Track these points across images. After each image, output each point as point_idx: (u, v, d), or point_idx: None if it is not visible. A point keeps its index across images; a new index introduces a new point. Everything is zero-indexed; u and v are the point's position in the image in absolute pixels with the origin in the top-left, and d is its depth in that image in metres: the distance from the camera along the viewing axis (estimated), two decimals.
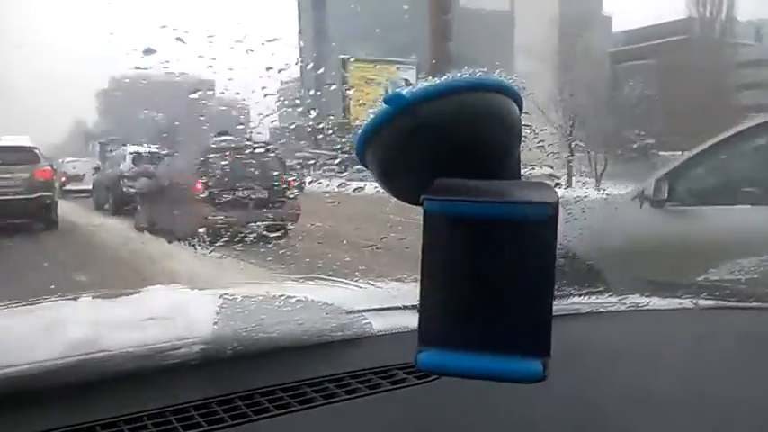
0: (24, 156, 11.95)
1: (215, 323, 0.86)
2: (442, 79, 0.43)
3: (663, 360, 0.97)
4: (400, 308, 1.08)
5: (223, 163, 10.12)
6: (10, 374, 0.75)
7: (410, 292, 1.17)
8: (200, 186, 9.71)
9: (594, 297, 1.10)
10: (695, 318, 1.14)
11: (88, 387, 0.77)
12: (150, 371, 0.80)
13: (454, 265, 0.40)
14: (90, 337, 0.82)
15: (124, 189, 13.98)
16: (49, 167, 12.59)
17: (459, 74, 0.44)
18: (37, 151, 12.34)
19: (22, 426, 0.70)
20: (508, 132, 0.44)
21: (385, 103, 0.43)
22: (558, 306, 1.06)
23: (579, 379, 0.87)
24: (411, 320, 0.99)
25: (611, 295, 1.12)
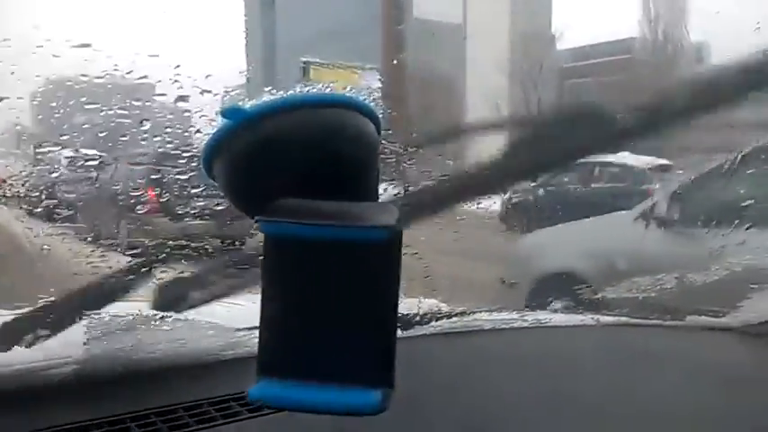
0: None
1: (85, 343, 0.84)
2: (290, 93, 0.42)
3: (556, 374, 1.00)
4: None
5: (178, 170, 9.88)
6: None
7: None
8: (153, 194, 9.40)
9: (498, 314, 1.12)
10: (595, 334, 1.18)
11: None
12: (21, 392, 0.77)
13: (291, 289, 0.40)
14: None
15: (59, 195, 13.47)
16: None
17: (310, 89, 0.44)
18: None
19: None
20: (361, 150, 0.44)
21: (222, 117, 0.43)
22: (461, 322, 1.08)
23: (476, 392, 0.89)
24: None
25: (514, 312, 1.14)
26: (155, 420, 0.74)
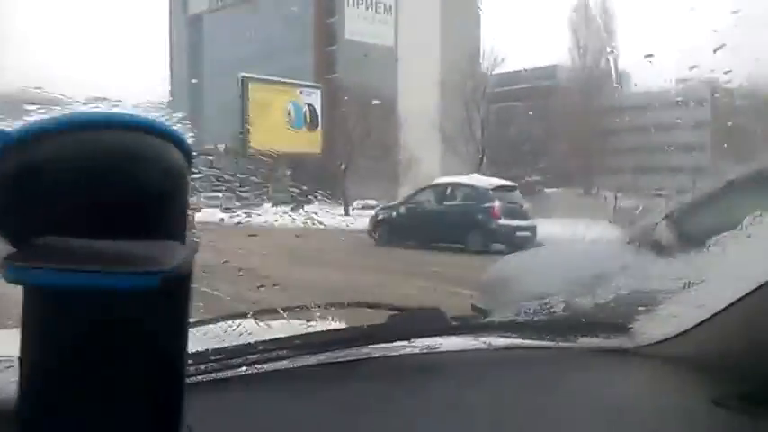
0: None
1: None
2: (72, 114, 0.37)
3: (440, 405, 0.97)
4: None
5: None
6: None
7: None
8: None
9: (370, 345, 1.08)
10: (486, 359, 1.16)
11: None
12: None
13: (44, 346, 0.35)
14: None
15: None
16: None
17: (98, 110, 0.39)
18: None
19: None
20: (158, 179, 0.37)
21: None
22: (348, 351, 1.04)
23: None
24: None
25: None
26: None
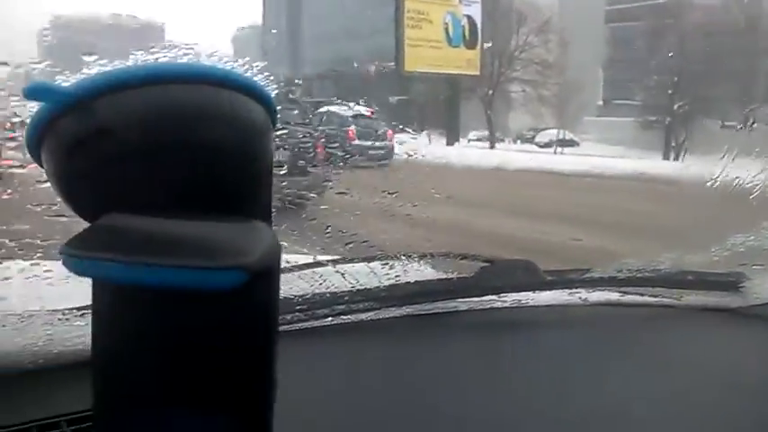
0: None
1: None
2: (135, 65, 0.33)
3: (536, 364, 0.96)
4: None
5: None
6: None
7: None
8: None
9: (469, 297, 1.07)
10: (582, 315, 1.13)
11: None
12: None
13: (114, 340, 0.32)
14: None
15: None
16: None
17: (164, 60, 0.37)
18: None
19: None
20: (236, 142, 0.32)
21: (30, 98, 0.32)
22: (437, 304, 1.04)
23: (456, 383, 0.88)
24: None
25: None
26: (66, 430, 0.70)
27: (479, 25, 24.51)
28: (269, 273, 0.31)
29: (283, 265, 0.33)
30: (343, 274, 1.01)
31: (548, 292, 1.12)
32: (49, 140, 0.32)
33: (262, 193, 0.35)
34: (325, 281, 1.01)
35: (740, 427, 0.81)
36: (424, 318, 1.02)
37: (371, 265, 1.06)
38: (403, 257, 1.07)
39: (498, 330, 1.07)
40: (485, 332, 1.06)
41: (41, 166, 0.34)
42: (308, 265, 1.05)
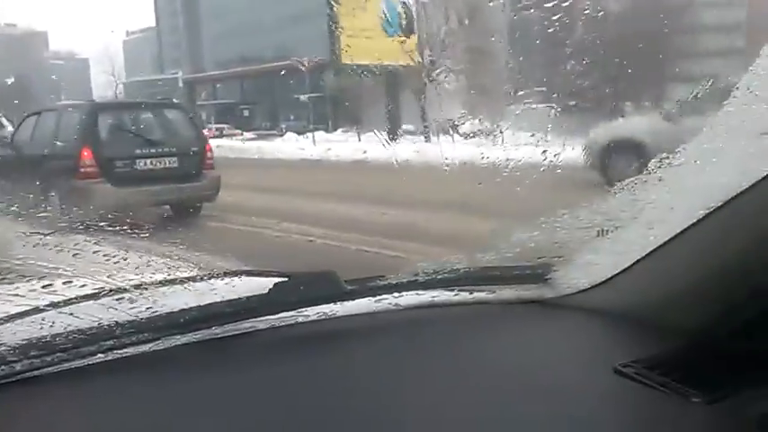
0: None
1: None
2: None
3: (345, 377, 0.96)
4: None
5: (111, 123, 9.03)
6: None
7: None
8: (87, 154, 8.51)
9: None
10: (390, 321, 1.12)
11: None
12: None
13: None
14: None
15: None
16: None
17: None
18: None
19: None
20: None
21: None
22: (231, 327, 1.00)
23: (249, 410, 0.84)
24: None
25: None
26: None
27: (414, 12, 24.76)
28: None
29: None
30: (71, 313, 0.94)
31: (352, 302, 1.10)
32: None
33: None
34: (53, 324, 0.94)
35: (540, 420, 0.83)
36: (214, 342, 0.98)
37: (103, 301, 1.00)
38: (183, 280, 1.03)
39: (304, 345, 1.04)
40: (288, 349, 1.02)
41: None
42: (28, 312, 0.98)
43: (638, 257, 1.07)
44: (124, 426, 0.80)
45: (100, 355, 0.90)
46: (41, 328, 0.91)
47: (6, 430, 0.77)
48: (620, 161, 8.30)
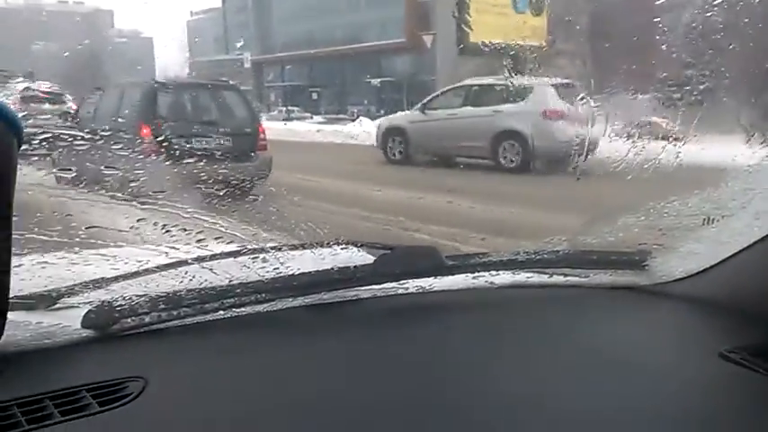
0: None
1: None
2: None
3: (436, 353, 1.01)
4: None
5: (169, 101, 9.57)
6: None
7: None
8: (146, 132, 8.94)
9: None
10: (486, 299, 1.20)
11: None
12: None
13: None
14: None
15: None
16: None
17: None
18: None
19: None
20: None
21: None
22: (336, 293, 1.10)
23: (347, 375, 0.93)
24: None
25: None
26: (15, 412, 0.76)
27: None
28: None
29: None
30: (211, 269, 1.07)
31: (451, 277, 1.19)
32: None
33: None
34: (193, 278, 1.06)
35: (646, 404, 0.87)
36: (322, 307, 1.09)
37: (240, 259, 1.11)
38: (299, 247, 1.14)
39: (404, 316, 1.14)
40: (390, 318, 1.12)
41: None
42: (173, 264, 1.10)
43: (738, 249, 1.11)
44: (239, 381, 0.89)
45: (221, 312, 1.02)
46: (181, 282, 1.04)
47: (132, 380, 0.85)
48: None
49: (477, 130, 11.03)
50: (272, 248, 1.18)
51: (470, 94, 12.19)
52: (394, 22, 30.44)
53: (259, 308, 1.04)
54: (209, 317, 1.01)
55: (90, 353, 0.93)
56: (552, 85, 11.23)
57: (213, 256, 1.16)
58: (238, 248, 1.18)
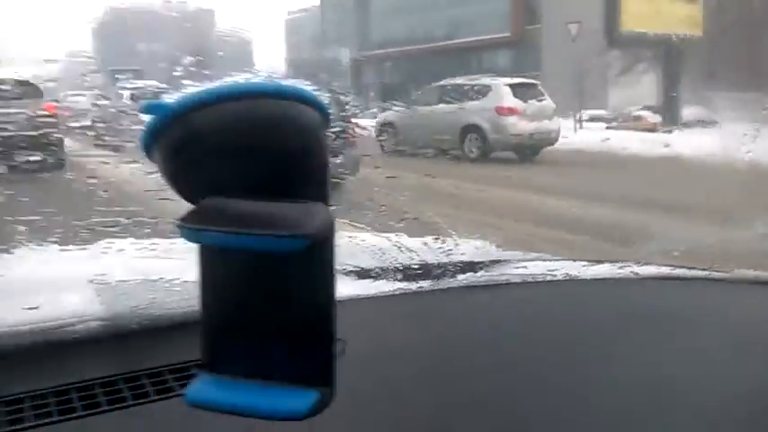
0: (25, 91, 12.78)
1: (102, 303, 1.02)
2: (220, 84, 0.48)
3: (587, 336, 1.10)
4: None
5: None
6: None
7: None
8: None
9: (529, 265, 1.27)
10: (635, 288, 1.31)
11: None
12: (48, 347, 0.94)
13: (217, 290, 0.47)
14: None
15: (127, 126, 14.66)
16: (51, 103, 13.40)
17: (243, 79, 0.50)
18: (39, 86, 13.28)
19: None
20: (300, 143, 0.48)
21: (145, 113, 0.47)
22: (489, 275, 1.25)
23: (501, 350, 1.04)
24: None
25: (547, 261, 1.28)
26: (167, 378, 0.89)
27: None
28: (325, 240, 0.45)
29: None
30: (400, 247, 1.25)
31: (598, 266, 1.31)
32: (158, 144, 0.48)
33: (319, 181, 0.50)
34: (384, 254, 1.25)
35: None
36: (478, 288, 1.24)
37: (427, 239, 1.29)
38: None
39: (549, 301, 1.25)
40: (535, 303, 1.23)
41: (154, 163, 0.49)
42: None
43: None
44: (422, 347, 1.04)
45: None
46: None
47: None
48: None
49: (446, 123, 13.15)
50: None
51: (445, 93, 14.36)
52: (497, 16, 30.23)
53: (424, 284, 1.22)
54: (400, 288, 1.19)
55: None
56: (508, 85, 13.78)
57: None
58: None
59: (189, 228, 0.43)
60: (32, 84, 12.98)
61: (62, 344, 0.95)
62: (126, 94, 17.72)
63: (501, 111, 13.30)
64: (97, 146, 15.88)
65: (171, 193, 0.48)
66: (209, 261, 0.46)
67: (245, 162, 0.46)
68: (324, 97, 0.49)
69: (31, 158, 11.68)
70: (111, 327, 0.99)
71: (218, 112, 0.45)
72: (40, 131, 12.24)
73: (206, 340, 0.47)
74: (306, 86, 0.48)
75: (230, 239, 0.43)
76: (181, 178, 0.47)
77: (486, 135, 13.29)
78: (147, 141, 0.47)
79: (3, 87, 12.36)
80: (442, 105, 13.81)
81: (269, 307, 0.46)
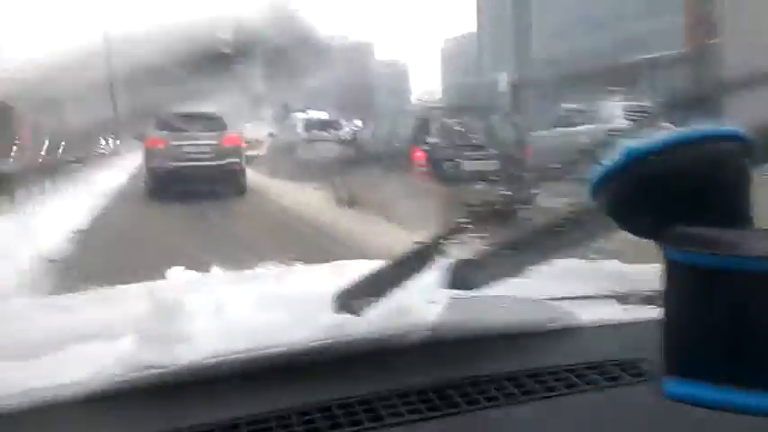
0: (212, 123, 14.01)
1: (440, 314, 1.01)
2: (677, 130, 0.53)
3: None
4: (600, 297, 1.24)
5: (436, 126, 10.37)
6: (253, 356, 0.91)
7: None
8: (420, 155, 10.02)
9: None
10: None
11: (332, 367, 0.93)
12: (379, 355, 0.96)
13: (694, 309, 0.49)
14: (339, 321, 0.98)
15: (301, 155, 15.63)
16: (236, 134, 14.48)
17: (693, 125, 0.54)
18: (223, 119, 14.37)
19: (256, 403, 0.86)
20: (739, 178, 0.53)
21: (621, 155, 0.53)
22: None
23: None
24: (613, 312, 1.16)
25: None
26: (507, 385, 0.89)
27: None
28: None
29: None
30: None
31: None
32: (614, 183, 0.54)
33: (748, 211, 0.54)
34: None
35: None
36: None
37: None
38: None
39: None
40: None
41: (595, 202, 0.56)
42: None
43: None
44: None
45: None
46: None
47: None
48: None
49: None
50: None
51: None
52: (669, 32, 29.02)
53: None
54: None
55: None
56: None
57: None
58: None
59: (681, 251, 0.49)
60: (218, 116, 14.20)
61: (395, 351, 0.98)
62: (300, 124, 18.78)
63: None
64: (273, 174, 16.77)
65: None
66: (683, 282, 0.50)
67: (699, 197, 0.52)
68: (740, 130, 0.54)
69: (218, 186, 12.56)
70: (433, 338, 1.00)
71: (681, 155, 0.52)
72: (226, 160, 13.43)
73: (676, 350, 0.50)
74: (731, 126, 0.54)
75: (714, 261, 0.47)
76: (634, 211, 0.54)
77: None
78: (604, 176, 0.54)
79: (193, 121, 13.45)
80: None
81: (739, 335, 0.47)
